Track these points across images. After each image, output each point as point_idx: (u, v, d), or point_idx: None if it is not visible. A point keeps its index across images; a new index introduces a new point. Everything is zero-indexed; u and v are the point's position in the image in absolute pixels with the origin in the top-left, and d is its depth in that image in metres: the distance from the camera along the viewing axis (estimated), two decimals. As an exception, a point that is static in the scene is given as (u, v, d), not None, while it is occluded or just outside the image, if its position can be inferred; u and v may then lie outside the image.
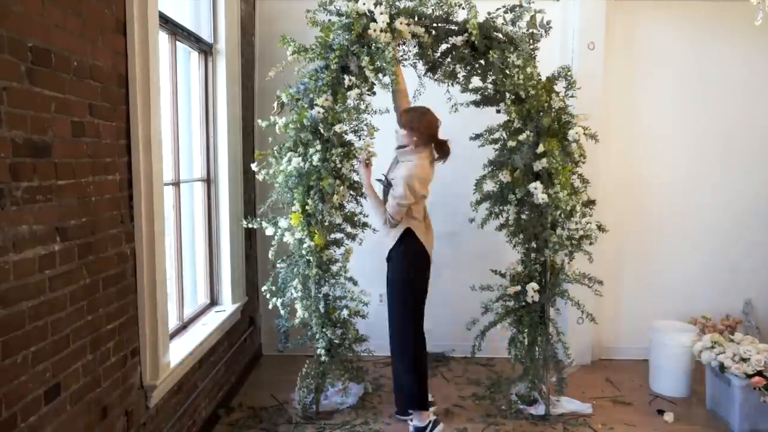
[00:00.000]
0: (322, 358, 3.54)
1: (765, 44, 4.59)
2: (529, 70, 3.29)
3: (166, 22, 3.12)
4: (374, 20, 3.25)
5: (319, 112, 3.26)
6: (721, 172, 4.74)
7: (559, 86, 3.57)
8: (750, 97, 4.67)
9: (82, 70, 2.15)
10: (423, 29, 3.33)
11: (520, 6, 3.37)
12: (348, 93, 3.30)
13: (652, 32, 4.64)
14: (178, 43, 3.39)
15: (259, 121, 3.52)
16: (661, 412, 3.90)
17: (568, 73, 3.52)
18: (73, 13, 2.10)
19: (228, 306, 4.03)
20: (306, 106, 3.34)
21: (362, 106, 3.43)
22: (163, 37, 3.12)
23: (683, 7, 4.61)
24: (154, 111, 2.63)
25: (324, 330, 3.48)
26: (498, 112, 3.67)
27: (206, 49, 3.83)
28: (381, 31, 3.22)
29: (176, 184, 3.40)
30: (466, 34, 3.32)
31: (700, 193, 4.76)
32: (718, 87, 4.66)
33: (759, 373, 3.51)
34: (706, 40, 4.63)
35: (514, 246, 3.72)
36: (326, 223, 3.39)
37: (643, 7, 4.61)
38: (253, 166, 3.52)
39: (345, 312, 3.55)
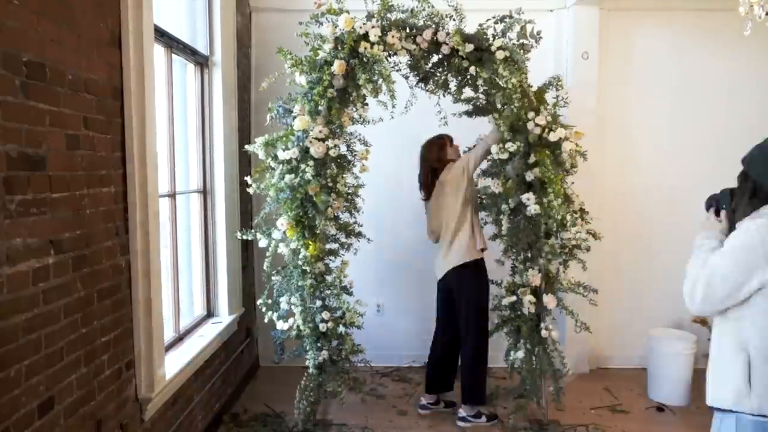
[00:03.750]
0: (312, 372, 3.50)
1: (754, 53, 4.62)
2: (514, 80, 3.29)
3: (161, 35, 3.13)
4: (366, 34, 3.26)
5: (311, 142, 3.24)
6: (715, 180, 4.71)
7: (549, 96, 3.57)
8: (743, 105, 4.69)
9: (76, 84, 2.16)
10: (415, 46, 3.35)
11: (510, 17, 3.39)
12: (345, 109, 3.32)
13: (646, 42, 4.67)
14: (173, 55, 3.40)
15: (247, 146, 3.52)
16: (660, 410, 3.92)
17: (559, 83, 3.54)
18: (67, 27, 2.11)
19: (224, 317, 4.03)
20: (293, 124, 3.30)
21: (356, 116, 3.45)
22: (158, 50, 3.14)
23: (676, 17, 4.65)
24: (149, 123, 2.64)
25: (318, 344, 3.46)
26: (491, 121, 3.69)
27: (202, 62, 3.85)
28: (373, 44, 3.23)
29: (172, 195, 3.41)
30: (452, 44, 3.33)
31: (695, 201, 4.74)
32: (711, 95, 4.69)
33: None
34: (698, 50, 4.66)
35: (510, 257, 3.72)
36: (319, 233, 3.38)
37: (636, 17, 4.65)
38: (248, 179, 3.52)
39: (341, 328, 3.52)
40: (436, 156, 3.84)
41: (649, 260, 4.80)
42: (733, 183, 4.83)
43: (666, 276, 4.79)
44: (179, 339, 3.45)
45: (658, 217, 4.78)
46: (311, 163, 3.23)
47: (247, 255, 4.58)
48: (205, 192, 3.97)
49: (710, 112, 4.71)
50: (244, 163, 4.47)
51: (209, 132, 3.96)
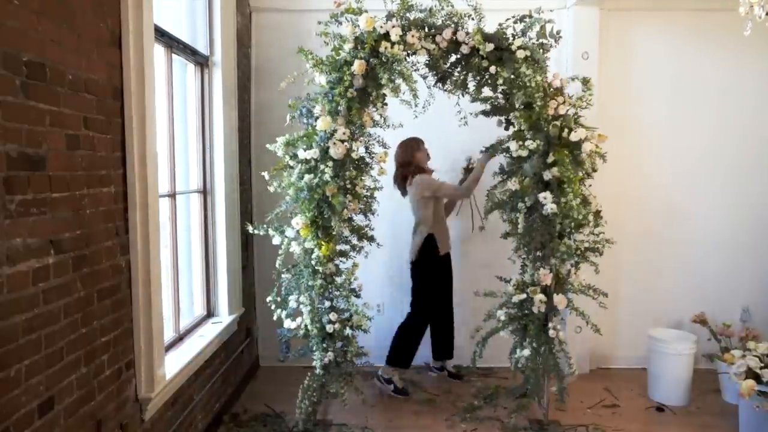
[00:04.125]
0: (318, 372, 3.49)
1: (755, 53, 4.61)
2: (539, 78, 3.29)
3: (161, 35, 3.13)
4: (387, 34, 3.25)
5: (334, 143, 3.23)
6: (716, 180, 4.75)
7: (572, 89, 3.57)
8: (744, 105, 4.68)
9: (77, 84, 2.16)
10: (434, 45, 3.35)
11: (530, 16, 3.39)
12: (366, 109, 3.32)
13: (646, 42, 4.66)
14: (173, 55, 3.40)
15: (268, 145, 3.49)
16: (660, 410, 3.93)
17: (587, 83, 3.54)
18: (67, 27, 2.11)
19: (225, 317, 4.03)
20: (315, 124, 3.29)
21: (377, 117, 3.44)
22: (158, 50, 3.14)
23: (676, 17, 4.64)
24: (149, 123, 2.64)
25: (324, 344, 3.45)
26: (499, 123, 3.69)
27: (202, 62, 3.85)
28: (394, 43, 3.22)
29: (172, 195, 3.41)
30: (472, 43, 3.33)
31: (696, 202, 4.76)
32: (712, 96, 4.68)
33: (748, 371, 3.48)
34: (698, 50, 4.65)
35: (521, 256, 3.71)
36: (333, 233, 3.37)
37: (636, 17, 4.64)
38: (266, 176, 3.51)
39: (348, 330, 3.51)
40: (401, 159, 4.30)
41: (649, 260, 4.79)
42: (732, 182, 4.82)
43: (666, 276, 4.80)
44: (179, 339, 3.45)
45: (658, 217, 4.78)
46: (330, 164, 3.23)
47: (247, 255, 4.58)
48: (205, 192, 3.97)
49: (710, 112, 4.70)
50: (244, 163, 4.47)
51: (209, 132, 3.95)
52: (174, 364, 3.08)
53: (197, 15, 3.83)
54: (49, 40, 2.00)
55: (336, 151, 3.20)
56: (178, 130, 3.53)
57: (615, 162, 4.64)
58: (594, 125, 3.66)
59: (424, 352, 4.85)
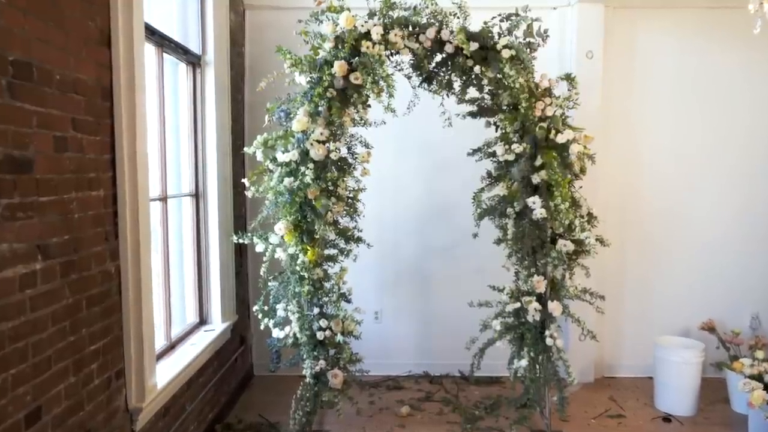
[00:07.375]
0: (309, 381, 3.40)
1: (764, 52, 4.54)
2: (521, 80, 3.23)
3: (152, 33, 3.06)
4: (368, 33, 3.19)
5: (312, 144, 3.16)
6: (724, 182, 4.66)
7: (557, 92, 3.51)
8: (750, 106, 4.61)
9: (64, 84, 2.10)
10: (418, 45, 3.29)
11: (517, 15, 3.33)
12: (346, 110, 3.25)
13: (651, 41, 4.59)
14: (165, 54, 3.33)
15: (246, 149, 3.43)
16: (667, 420, 3.91)
17: (573, 81, 3.48)
18: (55, 25, 2.05)
19: (217, 325, 3.94)
20: (291, 127, 3.22)
21: (357, 118, 3.37)
22: (149, 49, 3.07)
23: (681, 15, 4.57)
24: (139, 124, 2.57)
25: (315, 352, 3.36)
26: (488, 125, 3.63)
27: (194, 61, 3.78)
28: (375, 43, 3.16)
29: (163, 199, 3.33)
30: (456, 42, 3.27)
31: (703, 204, 4.68)
32: (718, 96, 4.61)
33: (759, 377, 3.44)
34: (705, 49, 4.58)
35: (514, 263, 3.63)
36: (317, 236, 3.30)
37: (641, 15, 4.57)
38: (245, 182, 3.44)
39: (339, 337, 3.42)
40: None
41: (655, 266, 4.71)
42: (738, 185, 4.76)
43: (673, 282, 4.72)
44: (171, 347, 3.37)
45: (663, 222, 4.68)
46: (311, 165, 3.15)
47: (241, 261, 4.49)
48: (198, 195, 3.89)
49: (717, 111, 4.62)
50: (238, 165, 4.39)
51: (202, 133, 3.88)
52: (165, 373, 3.00)
53: (189, 13, 3.75)
54: (36, 38, 1.94)
55: (316, 152, 3.13)
56: (169, 131, 3.46)
57: (619, 162, 4.60)
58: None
59: (422, 360, 4.79)
